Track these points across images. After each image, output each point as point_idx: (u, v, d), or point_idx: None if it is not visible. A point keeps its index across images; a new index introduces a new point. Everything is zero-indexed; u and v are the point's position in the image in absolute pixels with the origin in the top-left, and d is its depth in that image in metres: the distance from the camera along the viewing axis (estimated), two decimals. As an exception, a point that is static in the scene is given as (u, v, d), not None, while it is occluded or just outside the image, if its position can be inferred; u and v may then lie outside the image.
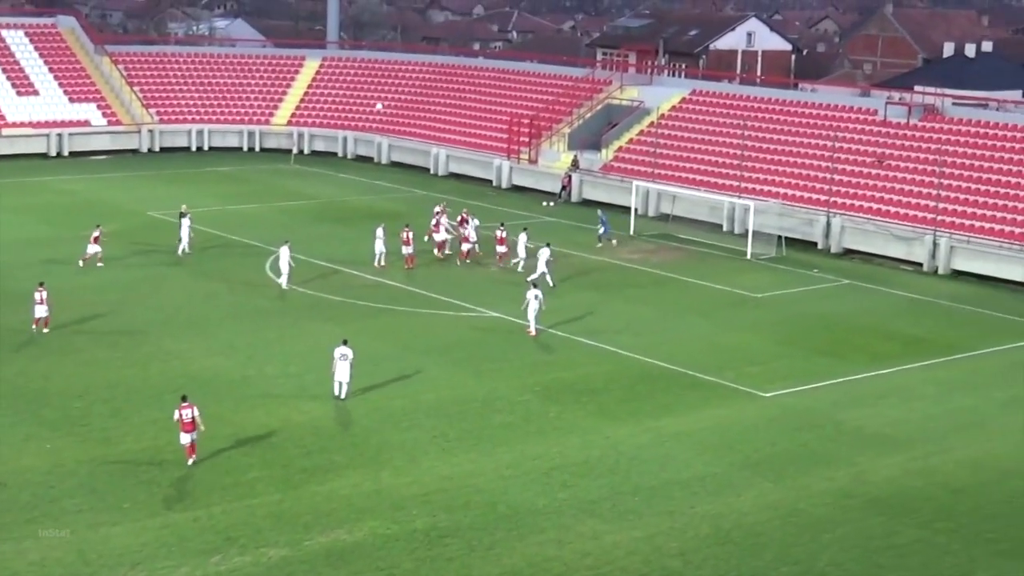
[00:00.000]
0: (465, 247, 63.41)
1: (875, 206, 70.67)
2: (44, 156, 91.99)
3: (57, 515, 32.64)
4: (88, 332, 49.12)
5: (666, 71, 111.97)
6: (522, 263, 60.84)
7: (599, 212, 71.06)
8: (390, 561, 30.81)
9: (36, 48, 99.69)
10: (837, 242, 69.83)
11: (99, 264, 59.12)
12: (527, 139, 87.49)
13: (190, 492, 34.41)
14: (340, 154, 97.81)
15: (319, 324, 51.04)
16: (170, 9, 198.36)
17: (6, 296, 53.01)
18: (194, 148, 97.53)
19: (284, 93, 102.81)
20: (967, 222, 66.96)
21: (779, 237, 69.26)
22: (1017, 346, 52.39)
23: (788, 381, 45.85)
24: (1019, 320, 56.53)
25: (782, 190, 74.24)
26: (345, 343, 42.21)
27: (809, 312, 56.41)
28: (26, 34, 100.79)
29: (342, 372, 41.75)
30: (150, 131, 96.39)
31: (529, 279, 54.94)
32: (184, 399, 36.56)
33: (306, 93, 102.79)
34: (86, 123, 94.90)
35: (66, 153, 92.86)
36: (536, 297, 50.06)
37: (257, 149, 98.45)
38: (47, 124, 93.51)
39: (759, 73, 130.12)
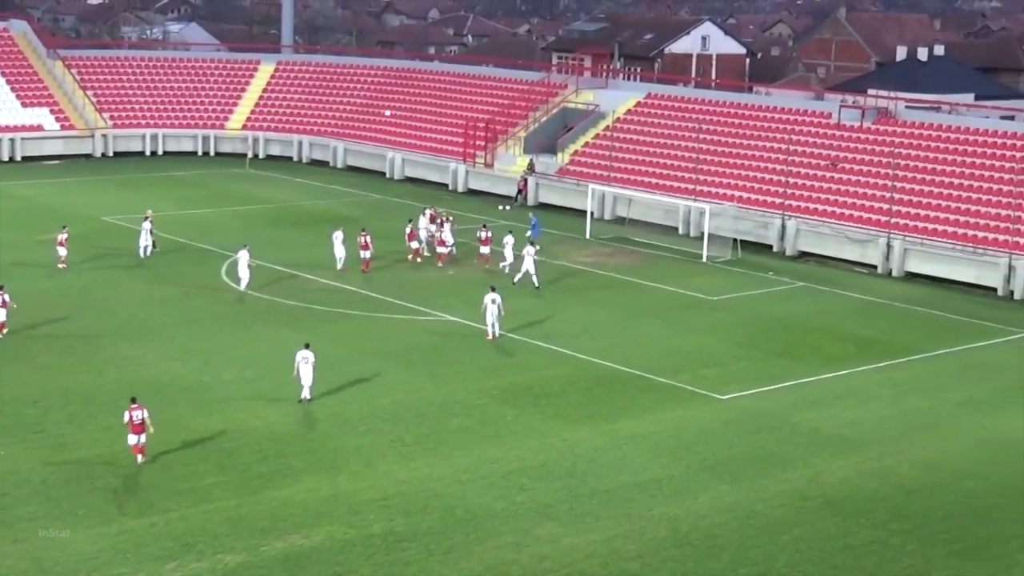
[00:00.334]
0: (442, 250, 63.33)
1: (829, 209, 71.07)
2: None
3: (12, 522, 32.38)
4: (42, 337, 48.75)
5: (621, 75, 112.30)
6: (508, 267, 60.88)
7: (530, 215, 71.07)
8: (348, 566, 30.74)
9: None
10: (792, 245, 70.20)
11: (60, 266, 58.86)
12: (483, 143, 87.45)
13: (146, 498, 34.21)
14: (295, 158, 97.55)
15: (276, 329, 50.88)
16: (123, 13, 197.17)
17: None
18: (148, 153, 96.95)
19: (239, 97, 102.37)
20: (920, 224, 67.43)
21: (734, 240, 69.52)
22: (970, 347, 52.82)
23: (744, 383, 46.05)
24: (971, 322, 57.01)
25: (737, 193, 74.53)
26: (307, 347, 42.21)
27: (765, 314, 56.66)
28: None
29: (305, 375, 41.74)
30: (103, 136, 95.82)
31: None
32: (134, 400, 36.49)
33: (261, 97, 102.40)
34: (39, 128, 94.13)
35: (19, 158, 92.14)
36: (494, 302, 50.05)
37: (212, 153, 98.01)
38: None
39: (714, 77, 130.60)
